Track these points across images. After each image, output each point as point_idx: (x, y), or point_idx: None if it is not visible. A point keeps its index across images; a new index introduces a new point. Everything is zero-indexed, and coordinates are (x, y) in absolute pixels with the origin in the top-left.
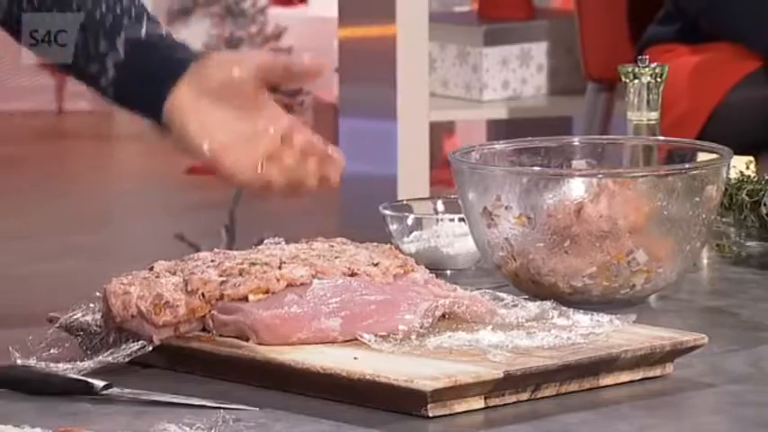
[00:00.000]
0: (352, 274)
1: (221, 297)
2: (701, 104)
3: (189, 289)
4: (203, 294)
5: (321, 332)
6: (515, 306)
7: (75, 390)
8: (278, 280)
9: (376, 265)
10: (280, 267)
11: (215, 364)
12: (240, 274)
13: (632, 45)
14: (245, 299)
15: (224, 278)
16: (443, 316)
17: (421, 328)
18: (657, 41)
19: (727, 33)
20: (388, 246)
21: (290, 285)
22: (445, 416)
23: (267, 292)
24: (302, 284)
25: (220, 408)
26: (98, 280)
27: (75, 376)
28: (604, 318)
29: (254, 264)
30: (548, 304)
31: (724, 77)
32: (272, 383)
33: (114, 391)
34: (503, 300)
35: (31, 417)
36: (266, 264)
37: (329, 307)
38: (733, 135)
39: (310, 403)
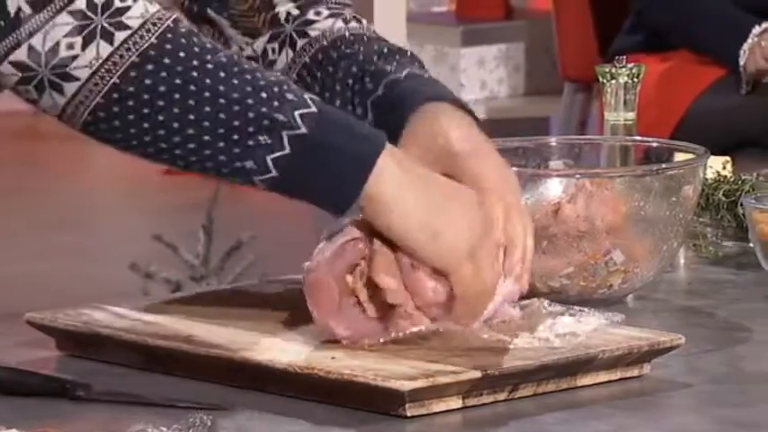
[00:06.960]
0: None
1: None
2: (669, 113)
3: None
4: (360, 272)
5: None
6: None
7: (51, 390)
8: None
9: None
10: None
11: (192, 365)
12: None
13: (608, 46)
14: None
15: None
16: None
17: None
18: (624, 51)
19: (693, 47)
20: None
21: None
22: (423, 416)
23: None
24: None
25: (198, 408)
26: (77, 280)
27: (52, 376)
28: (590, 317)
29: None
30: (560, 307)
31: (691, 85)
32: (250, 384)
33: (91, 391)
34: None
35: (7, 417)
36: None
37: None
38: (701, 141)
39: (288, 404)
